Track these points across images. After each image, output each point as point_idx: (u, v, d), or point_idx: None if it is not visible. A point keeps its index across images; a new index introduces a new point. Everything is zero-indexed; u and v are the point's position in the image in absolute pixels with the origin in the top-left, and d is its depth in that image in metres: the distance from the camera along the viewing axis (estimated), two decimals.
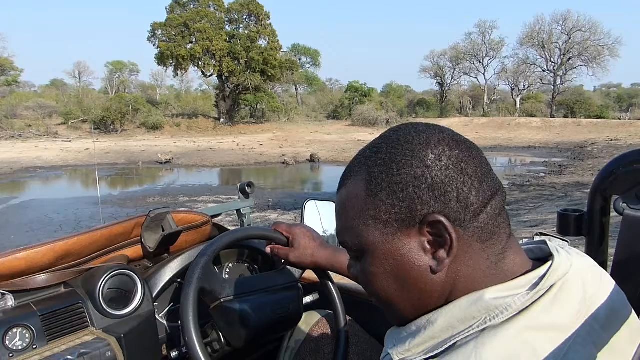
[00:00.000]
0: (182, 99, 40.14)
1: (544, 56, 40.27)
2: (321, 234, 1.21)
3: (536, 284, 0.48)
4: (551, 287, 0.48)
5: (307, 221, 1.31)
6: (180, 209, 1.24)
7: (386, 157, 0.51)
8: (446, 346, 0.48)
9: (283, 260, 1.10)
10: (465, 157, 0.51)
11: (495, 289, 0.49)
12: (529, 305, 0.47)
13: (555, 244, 0.54)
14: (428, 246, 0.50)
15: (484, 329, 0.47)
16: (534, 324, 0.46)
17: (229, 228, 1.34)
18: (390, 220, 0.51)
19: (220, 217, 1.51)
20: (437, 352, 0.49)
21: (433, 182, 0.49)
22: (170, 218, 1.19)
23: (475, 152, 0.52)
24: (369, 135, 26.91)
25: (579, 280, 0.50)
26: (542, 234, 0.84)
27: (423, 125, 0.54)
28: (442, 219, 0.49)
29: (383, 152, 0.52)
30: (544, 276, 0.49)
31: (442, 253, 0.50)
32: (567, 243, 0.56)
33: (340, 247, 1.26)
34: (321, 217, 1.32)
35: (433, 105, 43.47)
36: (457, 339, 0.48)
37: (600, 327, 0.49)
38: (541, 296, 0.47)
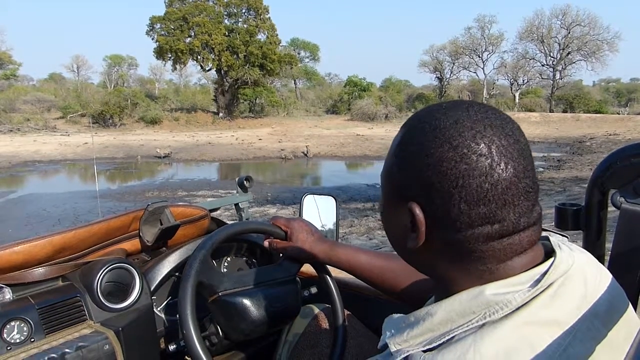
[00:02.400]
0: (181, 93, 39.97)
1: (543, 51, 40.19)
2: (319, 228, 1.20)
3: (538, 281, 0.48)
4: (552, 283, 0.48)
5: (305, 215, 1.31)
6: (179, 203, 1.24)
7: (427, 133, 0.50)
8: (444, 339, 0.48)
9: (281, 254, 1.11)
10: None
11: (497, 284, 0.48)
12: (529, 301, 0.47)
13: (556, 240, 0.54)
14: (409, 225, 0.52)
15: (483, 324, 0.47)
16: (533, 319, 0.46)
17: (227, 222, 1.34)
18: (396, 187, 0.53)
19: (218, 211, 1.51)
20: (435, 344, 0.49)
21: (436, 180, 0.49)
22: (169, 212, 1.19)
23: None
24: (367, 130, 26.88)
25: (581, 277, 0.50)
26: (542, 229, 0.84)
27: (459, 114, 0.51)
28: (417, 211, 0.50)
29: (428, 125, 0.51)
30: (545, 272, 0.48)
31: (412, 237, 0.52)
32: (566, 239, 0.56)
33: (338, 241, 1.26)
34: (319, 211, 1.32)
35: (432, 100, 43.34)
36: (456, 333, 0.48)
37: (600, 322, 0.49)
38: (541, 292, 0.47)
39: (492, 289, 0.48)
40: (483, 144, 0.47)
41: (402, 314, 0.55)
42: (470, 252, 0.49)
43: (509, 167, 0.47)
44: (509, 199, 0.47)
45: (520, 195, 0.48)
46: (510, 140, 0.48)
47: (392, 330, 0.54)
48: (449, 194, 0.48)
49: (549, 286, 0.48)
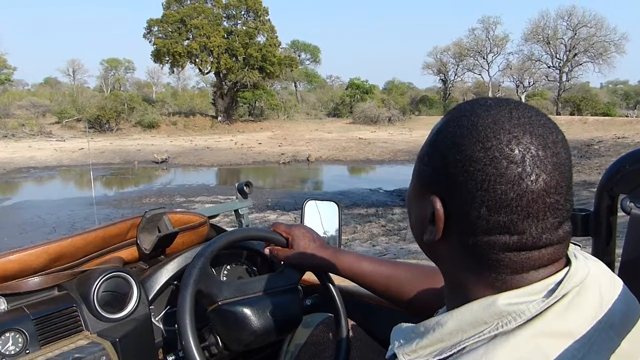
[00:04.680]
0: (179, 97, 40.08)
1: (549, 52, 40.23)
2: (321, 234, 1.20)
3: (552, 291, 0.47)
4: (567, 293, 0.47)
5: (307, 222, 1.31)
6: (177, 210, 1.24)
7: (463, 127, 0.50)
8: (455, 350, 0.48)
9: (282, 262, 1.10)
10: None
11: (510, 294, 0.48)
12: (543, 311, 0.46)
13: (571, 249, 0.53)
14: (429, 217, 0.52)
15: (495, 335, 0.46)
16: (547, 330, 0.45)
17: (226, 229, 1.34)
18: (424, 176, 0.53)
19: (217, 218, 1.51)
20: (445, 355, 0.48)
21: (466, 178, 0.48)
22: (167, 219, 1.19)
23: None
24: (370, 134, 26.89)
25: (596, 287, 0.50)
26: None
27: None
28: (438, 206, 0.50)
29: (471, 118, 0.50)
30: (560, 282, 0.48)
31: (430, 230, 0.52)
32: (579, 247, 0.55)
33: (341, 247, 1.26)
34: (321, 218, 1.32)
35: (436, 103, 43.40)
36: (467, 344, 0.47)
37: (615, 333, 0.48)
38: (556, 302, 0.47)
39: (505, 299, 0.47)
40: (517, 151, 0.46)
41: (410, 324, 0.55)
42: (484, 258, 0.49)
43: (540, 179, 0.46)
44: (533, 212, 0.46)
45: (546, 210, 0.47)
46: (548, 152, 0.47)
47: (401, 340, 0.54)
48: (471, 195, 0.47)
49: (563, 296, 0.47)
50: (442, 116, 0.55)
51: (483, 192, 0.47)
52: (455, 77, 45.84)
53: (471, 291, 0.51)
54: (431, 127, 0.56)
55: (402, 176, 13.86)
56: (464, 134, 0.49)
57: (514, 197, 0.46)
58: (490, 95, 41.13)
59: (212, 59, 30.84)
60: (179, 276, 1.16)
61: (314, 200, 1.33)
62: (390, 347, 0.55)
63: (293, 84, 47.03)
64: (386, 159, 19.87)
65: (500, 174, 0.46)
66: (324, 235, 1.30)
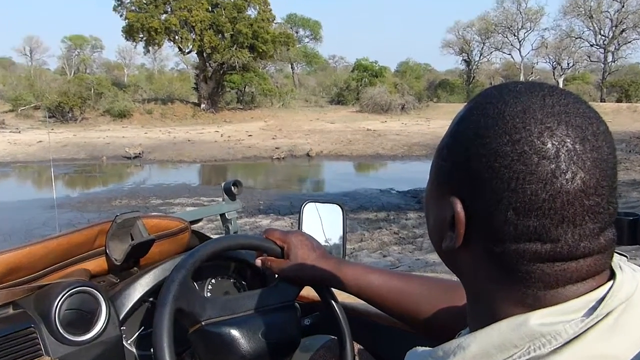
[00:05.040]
0: (155, 81, 40.20)
1: (591, 28, 40.26)
2: (323, 243, 1.21)
3: (594, 309, 0.47)
4: (611, 311, 0.47)
5: (306, 227, 1.32)
6: (153, 214, 1.25)
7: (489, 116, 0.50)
8: None
9: (277, 275, 1.11)
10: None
11: (543, 312, 0.48)
12: (583, 333, 0.46)
13: (616, 259, 0.53)
14: (449, 221, 0.52)
15: None
16: (588, 354, 0.45)
17: (211, 236, 1.34)
18: (443, 172, 0.54)
19: (200, 224, 1.52)
20: None
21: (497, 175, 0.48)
22: (141, 224, 1.19)
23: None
24: (380, 124, 26.92)
25: None
26: None
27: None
28: (458, 208, 0.51)
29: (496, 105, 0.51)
30: (603, 298, 0.48)
31: (449, 236, 0.52)
32: (625, 258, 0.55)
33: (345, 258, 1.26)
34: (322, 223, 1.32)
35: (458, 88, 43.51)
36: None
37: None
38: (598, 322, 0.46)
39: (538, 318, 0.47)
40: (550, 144, 0.46)
41: (427, 347, 0.55)
42: (513, 270, 0.49)
43: (577, 178, 0.46)
44: (569, 216, 0.46)
45: (584, 214, 0.47)
46: (587, 145, 0.47)
47: None
48: (497, 196, 0.48)
49: (607, 315, 0.47)
50: (466, 103, 0.56)
51: (510, 192, 0.47)
52: (481, 57, 45.91)
53: (498, 308, 0.51)
54: (452, 116, 0.56)
55: (418, 174, 13.84)
56: (489, 124, 0.49)
57: (546, 199, 0.46)
58: (521, 78, 41.06)
59: (194, 36, 30.87)
60: (155, 292, 1.16)
61: (313, 203, 1.34)
62: None
63: (289, 66, 47.10)
64: (399, 154, 19.90)
65: (530, 171, 0.46)
66: (326, 244, 1.30)
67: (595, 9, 39.42)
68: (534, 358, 0.46)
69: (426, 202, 0.59)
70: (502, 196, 0.47)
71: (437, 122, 26.31)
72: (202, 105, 31.95)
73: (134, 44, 32.55)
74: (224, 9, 31.26)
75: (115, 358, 1.08)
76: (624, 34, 39.09)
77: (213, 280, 1.36)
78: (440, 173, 0.55)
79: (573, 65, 43.03)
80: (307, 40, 50.92)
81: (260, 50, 31.20)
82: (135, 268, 1.28)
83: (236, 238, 1.10)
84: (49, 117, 27.05)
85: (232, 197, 1.60)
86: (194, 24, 30.25)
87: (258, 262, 1.09)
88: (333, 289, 1.10)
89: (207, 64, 32.08)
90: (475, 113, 0.52)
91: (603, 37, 39.97)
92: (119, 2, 31.12)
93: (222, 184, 1.60)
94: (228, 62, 31.32)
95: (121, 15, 31.13)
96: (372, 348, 1.25)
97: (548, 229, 0.47)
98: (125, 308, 1.14)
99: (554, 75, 42.59)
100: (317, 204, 1.34)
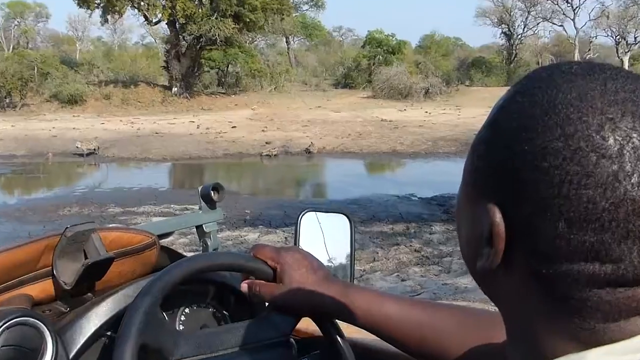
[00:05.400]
0: (115, 58, 40.34)
1: None
2: (325, 262, 1.21)
3: None
4: None
5: (304, 243, 1.32)
6: (112, 226, 1.25)
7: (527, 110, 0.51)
8: None
9: (267, 304, 1.11)
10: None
11: (602, 350, 0.48)
12: None
13: None
14: (486, 234, 0.52)
15: None
16: None
17: (184, 254, 1.34)
18: (479, 173, 0.55)
19: (171, 238, 1.52)
20: None
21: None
22: (97, 239, 1.19)
23: None
24: (398, 113, 26.93)
25: None
26: None
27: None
28: (497, 218, 0.50)
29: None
30: None
31: (485, 253, 0.52)
32: None
33: (354, 282, 1.26)
34: (325, 237, 1.32)
35: (496, 67, 43.50)
36: None
37: None
38: None
39: (596, 357, 0.48)
40: (612, 140, 0.46)
41: None
42: (564, 297, 0.49)
43: None
44: (635, 230, 0.46)
45: None
46: None
47: None
48: (544, 203, 0.47)
49: None
50: (508, 88, 0.56)
51: (561, 200, 0.47)
52: (525, 29, 45.90)
53: (546, 346, 0.51)
54: (489, 103, 0.57)
55: (445, 176, 13.89)
56: (537, 114, 0.49)
57: (606, 208, 0.46)
58: (576, 57, 41.08)
59: (163, 2, 30.92)
60: (114, 324, 1.16)
61: (314, 212, 1.34)
62: None
63: (284, 40, 47.16)
64: (422, 151, 19.93)
65: (586, 173, 0.46)
66: (329, 264, 1.31)
67: None
68: None
69: (458, 212, 0.59)
70: (552, 204, 0.47)
71: (469, 110, 26.28)
72: (174, 89, 31.99)
73: (89, 11, 32.63)
74: None
75: None
76: None
77: (187, 310, 1.36)
78: (476, 175, 0.55)
79: None
80: (306, 7, 51.09)
81: (247, 19, 31.23)
82: (89, 294, 1.28)
83: (217, 256, 1.10)
84: None
85: (211, 204, 1.60)
86: None
87: (244, 286, 1.09)
88: (338, 321, 1.10)
89: (181, 37, 32.13)
90: (519, 100, 0.51)
91: None
92: None
93: (199, 189, 1.60)
94: (206, 35, 31.28)
95: None
96: None
97: (609, 245, 0.46)
98: (77, 344, 1.14)
99: (617, 52, 42.63)
100: (318, 213, 1.34)
